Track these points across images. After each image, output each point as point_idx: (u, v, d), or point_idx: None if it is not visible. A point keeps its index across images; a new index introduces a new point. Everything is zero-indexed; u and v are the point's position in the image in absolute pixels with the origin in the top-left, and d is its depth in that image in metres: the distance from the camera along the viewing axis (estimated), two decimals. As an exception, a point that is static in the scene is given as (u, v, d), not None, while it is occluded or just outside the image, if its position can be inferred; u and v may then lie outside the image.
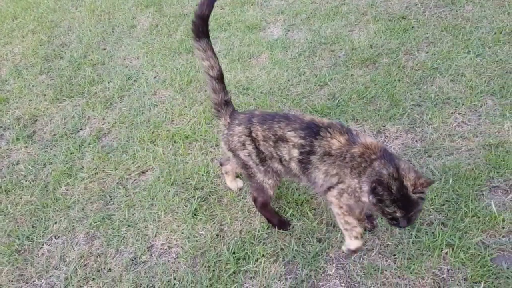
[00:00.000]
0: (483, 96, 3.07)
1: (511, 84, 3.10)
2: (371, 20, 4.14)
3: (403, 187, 1.81)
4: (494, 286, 2.03)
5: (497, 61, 3.33)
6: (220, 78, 2.18)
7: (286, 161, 2.12)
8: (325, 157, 1.99)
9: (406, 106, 3.10)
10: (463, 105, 3.02)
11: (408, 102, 3.14)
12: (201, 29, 2.07)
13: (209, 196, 2.73)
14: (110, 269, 2.43)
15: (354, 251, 2.18)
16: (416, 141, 2.86)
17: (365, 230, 2.33)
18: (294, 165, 2.11)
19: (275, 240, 2.40)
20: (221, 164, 2.68)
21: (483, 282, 2.04)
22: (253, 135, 2.15)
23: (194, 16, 2.04)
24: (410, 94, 3.21)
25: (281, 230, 2.43)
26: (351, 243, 2.13)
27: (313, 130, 2.02)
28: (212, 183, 2.81)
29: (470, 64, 3.36)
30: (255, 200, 2.39)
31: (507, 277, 2.05)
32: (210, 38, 2.13)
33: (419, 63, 3.49)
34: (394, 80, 3.35)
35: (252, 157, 2.20)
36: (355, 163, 1.93)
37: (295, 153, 2.06)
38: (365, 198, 1.91)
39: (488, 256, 2.14)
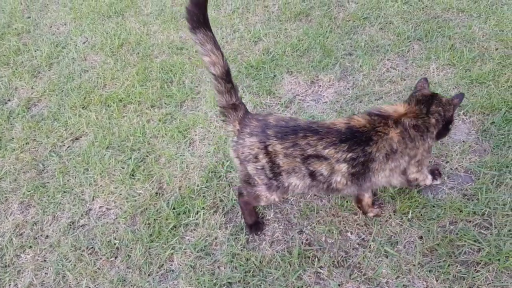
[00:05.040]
0: (410, 41, 3.17)
1: (435, 28, 3.21)
2: (303, -25, 4.13)
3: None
4: (421, 214, 2.16)
5: (422, 8, 3.44)
6: (224, 77, 1.78)
7: (322, 176, 1.80)
8: (388, 156, 1.80)
9: (338, 56, 3.16)
10: (391, 51, 3.11)
11: (340, 52, 3.19)
12: (197, 18, 1.67)
13: (147, 156, 2.70)
14: (47, 235, 2.37)
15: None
16: (348, 88, 2.93)
17: (378, 215, 2.20)
18: (339, 179, 1.80)
19: (215, 192, 2.42)
20: (241, 194, 2.16)
21: (411, 211, 2.16)
22: (270, 149, 1.78)
23: (189, 2, 1.64)
24: (342, 44, 3.27)
25: (251, 232, 2.22)
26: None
27: (360, 138, 1.75)
28: (149, 143, 2.77)
29: (398, 12, 3.45)
30: (240, 194, 2.15)
31: (433, 206, 2.18)
32: (210, 27, 1.74)
33: (349, 14, 3.54)
34: (326, 31, 3.39)
35: (265, 171, 1.84)
36: (411, 132, 1.82)
37: (344, 168, 1.76)
38: (434, 131, 1.91)
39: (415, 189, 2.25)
